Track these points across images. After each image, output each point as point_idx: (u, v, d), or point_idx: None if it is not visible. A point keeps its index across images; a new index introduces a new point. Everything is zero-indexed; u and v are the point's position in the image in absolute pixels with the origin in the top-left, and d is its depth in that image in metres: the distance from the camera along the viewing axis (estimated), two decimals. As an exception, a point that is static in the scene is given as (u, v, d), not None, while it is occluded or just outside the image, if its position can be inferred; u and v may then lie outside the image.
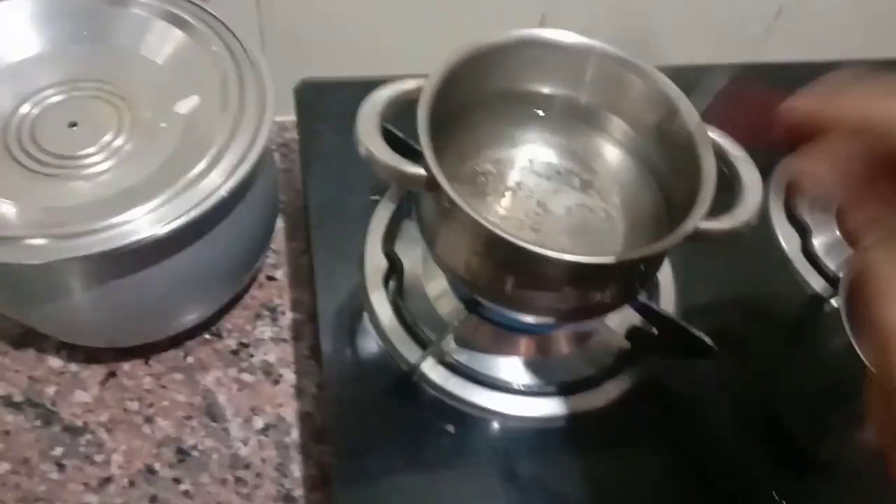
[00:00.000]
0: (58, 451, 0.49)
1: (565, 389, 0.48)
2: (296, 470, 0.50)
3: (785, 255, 0.58)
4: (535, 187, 0.48)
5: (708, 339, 0.46)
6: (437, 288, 0.51)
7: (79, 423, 0.50)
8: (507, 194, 0.47)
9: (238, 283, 0.54)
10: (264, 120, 0.46)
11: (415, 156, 0.40)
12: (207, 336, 0.55)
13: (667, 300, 0.53)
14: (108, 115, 0.46)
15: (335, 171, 0.57)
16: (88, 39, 0.49)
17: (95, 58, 0.48)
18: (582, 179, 0.48)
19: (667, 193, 0.46)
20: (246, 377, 0.53)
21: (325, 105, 0.59)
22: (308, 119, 0.59)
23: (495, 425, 0.47)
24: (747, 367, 0.52)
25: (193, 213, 0.41)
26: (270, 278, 0.58)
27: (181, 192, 0.42)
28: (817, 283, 0.56)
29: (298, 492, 0.49)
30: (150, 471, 0.49)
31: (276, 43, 0.62)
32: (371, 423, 0.46)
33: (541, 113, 0.49)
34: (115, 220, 0.40)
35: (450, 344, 0.48)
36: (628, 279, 0.43)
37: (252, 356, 0.54)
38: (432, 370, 0.48)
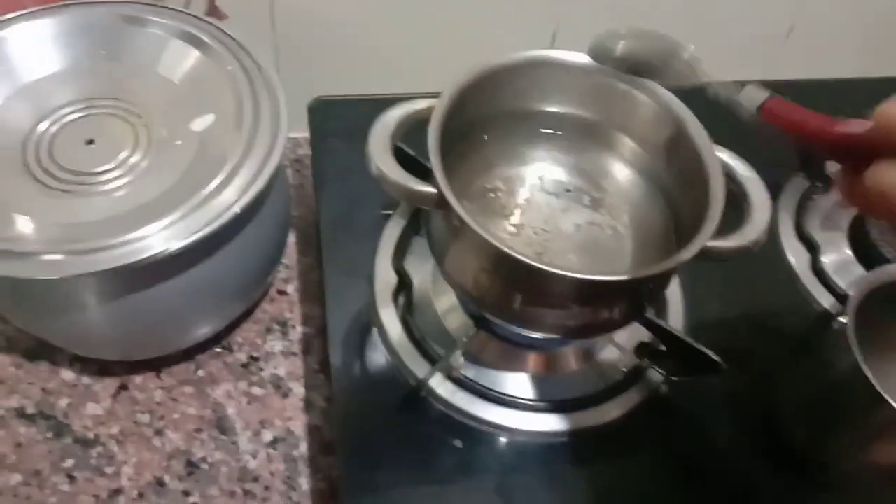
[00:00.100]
0: (69, 462, 0.49)
1: (573, 405, 0.49)
2: (304, 483, 0.50)
3: (794, 271, 0.58)
4: (545, 205, 0.48)
5: (715, 356, 0.47)
6: (446, 304, 0.52)
7: (90, 435, 0.51)
8: (517, 212, 0.48)
9: (250, 297, 0.55)
10: (278, 138, 0.46)
11: (426, 173, 0.40)
12: (218, 349, 0.55)
13: (675, 316, 0.53)
14: (124, 133, 0.47)
15: (347, 188, 0.57)
16: (106, 58, 0.50)
17: (113, 76, 0.49)
18: (591, 197, 0.48)
19: (675, 211, 0.47)
20: (256, 391, 0.54)
21: (338, 122, 0.60)
22: (321, 136, 0.60)
23: (503, 440, 0.48)
24: (755, 383, 0.52)
25: (207, 230, 0.42)
26: (281, 293, 0.59)
27: (196, 209, 0.43)
28: (826, 301, 0.56)
29: (307, 505, 0.49)
30: (160, 483, 0.49)
31: (290, 61, 0.63)
32: (379, 438, 0.47)
33: (550, 132, 0.49)
34: (130, 236, 0.41)
35: (458, 359, 0.49)
36: (636, 297, 0.43)
37: (262, 370, 0.55)
38: (440, 385, 0.48)
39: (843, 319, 0.44)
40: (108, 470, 0.49)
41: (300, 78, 0.62)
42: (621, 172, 0.49)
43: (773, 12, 0.71)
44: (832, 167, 0.62)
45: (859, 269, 0.57)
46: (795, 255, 0.58)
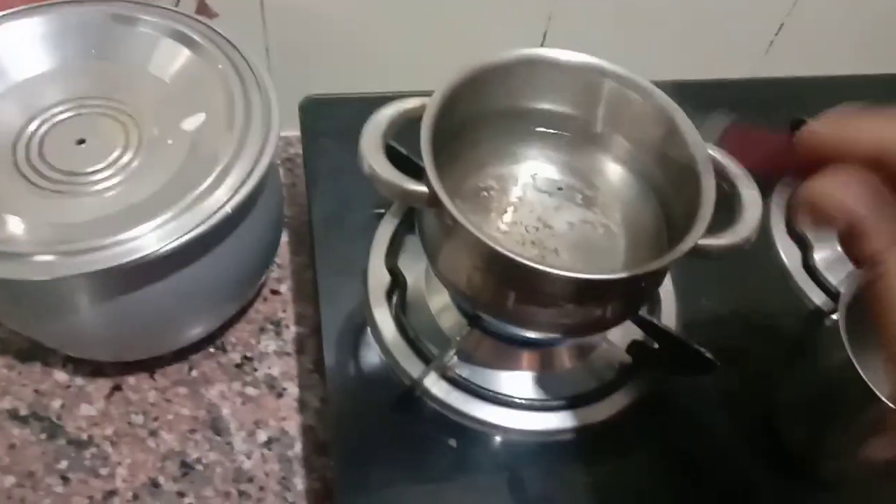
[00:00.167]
0: (63, 464, 0.49)
1: (567, 403, 0.49)
2: (299, 483, 0.50)
3: (786, 269, 0.58)
4: (538, 203, 0.48)
5: (708, 354, 0.47)
6: (439, 302, 0.52)
7: (84, 436, 0.50)
8: (509, 210, 0.48)
9: (243, 297, 0.55)
10: (269, 137, 0.46)
11: (418, 172, 0.40)
12: (212, 350, 0.55)
13: (668, 314, 0.54)
14: (115, 133, 0.47)
15: (339, 186, 0.57)
16: (96, 57, 0.49)
17: (103, 75, 0.49)
18: (584, 195, 0.49)
19: (667, 210, 0.47)
20: (250, 391, 0.54)
21: (330, 121, 0.60)
22: (313, 135, 0.60)
23: (497, 439, 0.48)
24: (748, 380, 0.52)
25: (199, 230, 0.42)
26: (275, 292, 0.59)
27: (187, 209, 0.43)
28: (818, 298, 0.56)
29: (301, 505, 0.49)
30: (155, 484, 0.49)
31: (281, 60, 0.63)
32: (373, 437, 0.47)
33: (543, 130, 0.49)
34: (121, 236, 0.41)
35: (452, 359, 0.49)
36: (629, 295, 0.44)
37: (256, 370, 0.55)
38: (434, 385, 0.48)
39: (835, 317, 0.44)
40: (103, 471, 0.49)
41: (291, 76, 0.62)
42: (613, 171, 0.49)
43: (764, 10, 0.71)
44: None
45: (850, 266, 0.57)
46: (787, 253, 0.59)
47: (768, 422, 0.50)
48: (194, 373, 0.54)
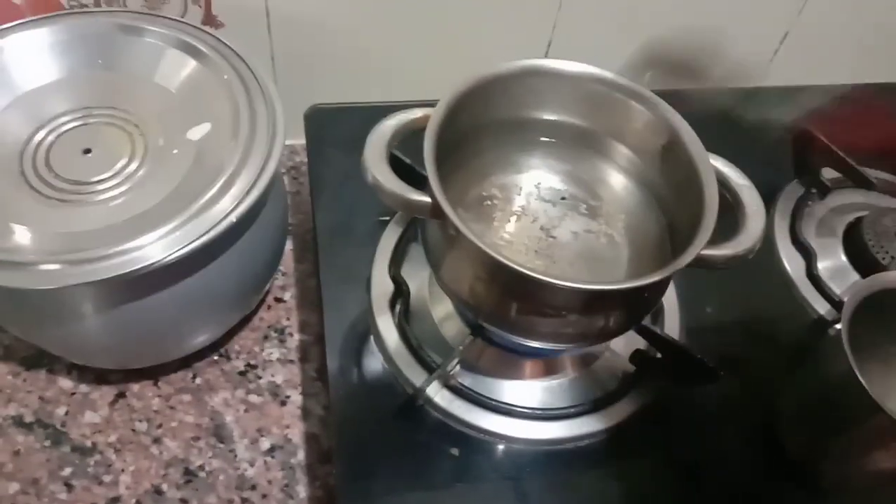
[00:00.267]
0: (67, 471, 0.49)
1: (570, 413, 0.49)
2: (302, 491, 0.50)
3: (789, 278, 0.58)
4: (541, 213, 0.48)
5: (711, 363, 0.47)
6: (442, 311, 0.52)
7: (88, 443, 0.51)
8: (512, 219, 0.48)
9: (247, 305, 0.55)
10: (274, 147, 0.46)
11: (421, 181, 0.40)
12: (216, 357, 0.55)
13: (671, 323, 0.54)
14: (121, 142, 0.47)
15: (343, 195, 0.58)
16: (103, 67, 0.50)
17: (110, 85, 0.49)
18: (588, 205, 0.49)
19: (671, 219, 0.47)
20: (253, 398, 0.54)
21: (335, 130, 0.60)
22: (317, 143, 0.60)
23: (500, 448, 0.48)
24: (751, 389, 0.52)
25: (204, 239, 0.42)
26: (279, 300, 0.59)
27: (192, 218, 0.43)
28: (821, 307, 0.56)
29: (304, 513, 0.50)
30: (158, 491, 0.49)
31: (286, 69, 0.63)
32: (376, 446, 0.47)
33: (546, 140, 0.50)
34: (127, 245, 0.41)
35: (455, 368, 0.49)
36: (632, 305, 0.44)
37: (260, 377, 0.55)
38: (437, 394, 0.48)
39: (838, 326, 0.44)
40: (106, 478, 0.49)
41: (297, 86, 0.62)
42: (617, 180, 0.49)
43: (768, 19, 0.71)
44: (827, 174, 0.62)
45: (854, 276, 0.57)
46: (791, 262, 0.59)
47: (771, 430, 0.50)
48: (198, 380, 0.54)
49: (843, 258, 0.59)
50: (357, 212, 0.57)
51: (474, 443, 0.47)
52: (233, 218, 0.43)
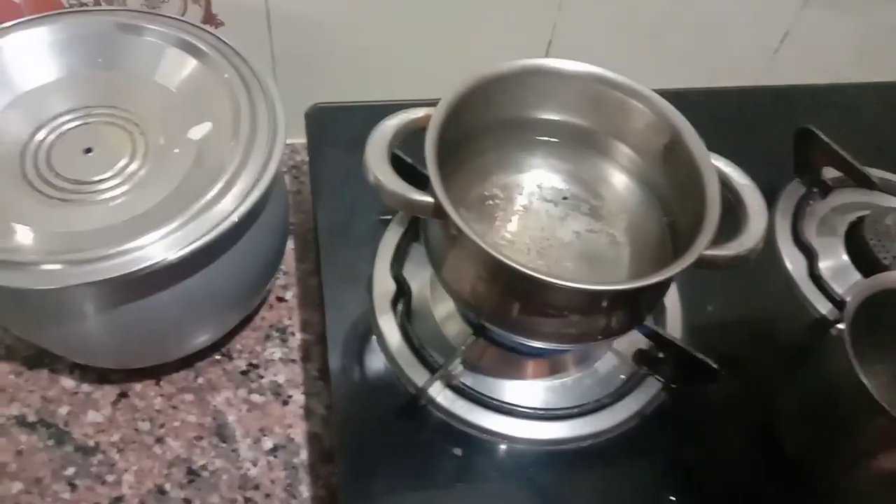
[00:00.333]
0: (70, 470, 0.49)
1: (572, 412, 0.49)
2: (304, 491, 0.50)
3: (791, 278, 0.58)
4: (543, 213, 0.48)
5: (713, 363, 0.47)
6: (444, 311, 0.52)
7: (91, 443, 0.51)
8: (514, 219, 0.48)
9: (249, 305, 0.55)
10: (275, 146, 0.46)
11: (423, 181, 0.40)
12: (218, 357, 0.55)
13: (673, 323, 0.53)
14: (122, 141, 0.47)
15: (345, 194, 0.57)
16: (103, 66, 0.50)
17: (110, 84, 0.49)
18: (590, 205, 0.49)
19: (672, 219, 0.47)
20: (255, 398, 0.54)
21: (336, 129, 0.60)
22: (318, 143, 0.60)
23: (502, 448, 0.48)
24: (753, 389, 0.52)
25: (205, 239, 0.42)
26: (280, 299, 0.59)
27: (193, 218, 0.43)
28: (823, 307, 0.56)
29: (306, 513, 0.50)
30: (161, 491, 0.49)
31: (287, 68, 0.63)
32: (378, 446, 0.47)
33: (547, 139, 0.50)
34: (128, 245, 0.41)
35: (457, 367, 0.49)
36: (634, 305, 0.44)
37: (262, 377, 0.55)
38: (439, 393, 0.48)
39: (840, 326, 0.44)
40: (109, 478, 0.49)
41: (298, 84, 0.62)
42: (618, 180, 0.49)
43: (768, 18, 0.71)
44: (829, 173, 0.62)
45: (856, 275, 0.57)
46: (792, 262, 0.58)
47: (772, 430, 0.50)
48: (200, 380, 0.54)
49: (845, 257, 0.59)
50: (358, 211, 0.57)
51: (476, 443, 0.47)
52: (234, 218, 0.43)
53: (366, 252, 0.55)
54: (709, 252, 0.40)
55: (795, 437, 0.49)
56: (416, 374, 0.49)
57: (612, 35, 0.67)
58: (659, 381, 0.51)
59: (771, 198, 0.62)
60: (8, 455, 0.50)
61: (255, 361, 0.55)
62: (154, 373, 0.54)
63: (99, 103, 0.49)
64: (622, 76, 0.47)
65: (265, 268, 0.53)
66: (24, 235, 0.42)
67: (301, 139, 0.62)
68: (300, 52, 0.63)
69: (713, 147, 0.45)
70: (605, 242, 0.47)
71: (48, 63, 0.49)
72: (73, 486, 0.49)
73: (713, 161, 0.44)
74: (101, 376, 0.53)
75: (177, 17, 0.52)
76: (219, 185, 0.44)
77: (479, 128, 0.47)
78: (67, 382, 0.53)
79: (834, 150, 0.60)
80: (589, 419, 0.48)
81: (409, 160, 0.49)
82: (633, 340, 0.51)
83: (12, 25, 0.49)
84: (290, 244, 0.62)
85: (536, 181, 0.49)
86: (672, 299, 0.54)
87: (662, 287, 0.45)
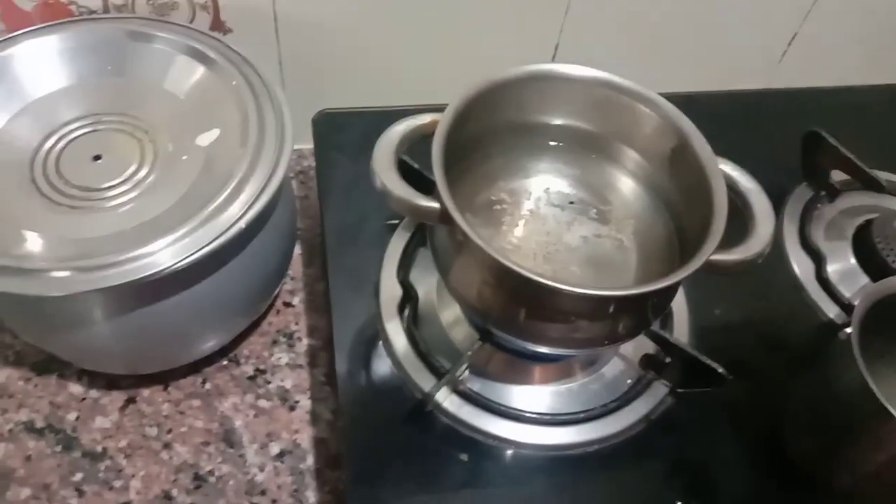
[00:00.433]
0: (78, 476, 0.50)
1: (579, 418, 0.49)
2: (311, 496, 0.50)
3: (799, 281, 0.58)
4: (550, 217, 0.48)
5: (720, 368, 0.47)
6: (451, 316, 0.52)
7: (98, 448, 0.51)
8: (521, 224, 0.48)
9: (256, 310, 0.55)
10: (283, 152, 0.47)
11: (430, 186, 0.40)
12: (225, 362, 0.55)
13: (680, 327, 0.53)
14: (131, 148, 0.47)
15: (352, 199, 0.58)
16: (112, 74, 0.50)
17: (119, 92, 0.50)
18: (598, 210, 0.49)
19: (679, 224, 0.47)
20: (262, 403, 0.54)
21: (343, 135, 0.60)
22: (325, 148, 0.60)
23: (509, 454, 0.48)
24: (761, 394, 0.51)
25: (213, 245, 0.42)
26: (287, 304, 0.59)
27: (202, 224, 0.43)
28: (831, 310, 0.56)
29: (314, 518, 0.50)
30: (168, 497, 0.49)
31: (295, 74, 0.63)
32: (385, 451, 0.47)
33: (554, 144, 0.50)
34: (136, 252, 0.41)
35: (463, 373, 0.49)
36: (641, 310, 0.44)
37: (269, 382, 0.55)
38: (446, 399, 0.48)
39: (848, 330, 0.44)
40: (117, 483, 0.50)
41: (305, 90, 0.62)
42: (625, 185, 0.49)
43: (776, 21, 0.71)
44: (836, 176, 0.62)
45: (864, 279, 0.57)
46: (800, 265, 0.58)
47: (781, 435, 0.50)
48: (208, 385, 0.54)
49: (853, 261, 0.58)
50: (365, 216, 0.57)
51: (483, 448, 0.47)
52: (242, 224, 0.44)
53: (373, 257, 0.55)
54: (716, 257, 0.40)
55: (802, 441, 0.49)
56: (423, 379, 0.49)
57: (619, 39, 0.67)
58: (666, 385, 0.50)
59: (779, 201, 0.62)
60: (16, 461, 0.50)
61: (262, 367, 0.56)
62: (162, 378, 0.54)
63: (108, 110, 0.49)
64: (629, 80, 0.47)
65: (273, 273, 0.53)
66: (33, 242, 0.42)
67: (308, 144, 0.62)
68: (308, 58, 0.63)
69: (721, 150, 0.45)
70: (612, 247, 0.47)
71: (58, 71, 0.50)
72: (80, 492, 0.49)
73: (720, 165, 0.44)
74: (110, 382, 0.53)
75: (185, 24, 0.52)
76: (227, 192, 0.44)
77: (486, 133, 0.47)
78: (76, 388, 0.53)
79: (841, 153, 0.60)
80: (595, 424, 0.48)
81: (416, 166, 0.49)
82: (640, 345, 0.51)
83: (23, 34, 0.49)
84: (298, 249, 0.62)
85: (543, 186, 0.49)
86: (679, 303, 0.54)
87: (669, 292, 0.45)
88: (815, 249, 0.59)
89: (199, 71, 0.50)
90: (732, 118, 0.66)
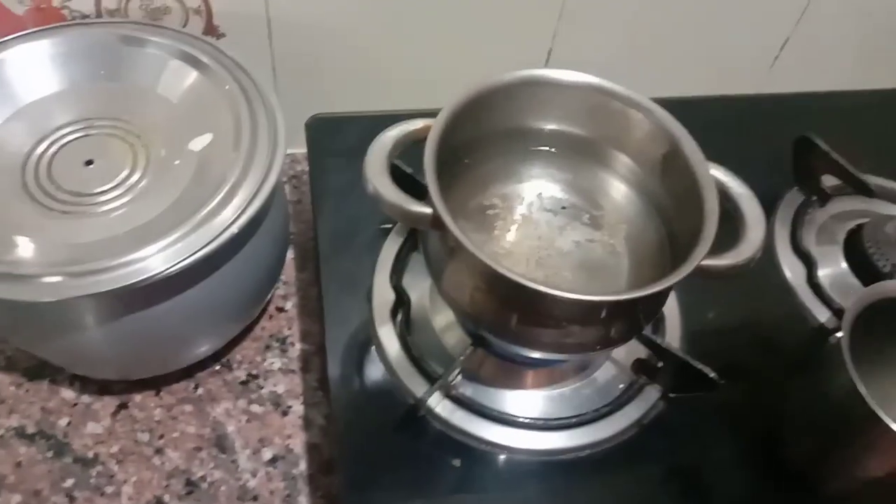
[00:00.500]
0: (69, 482, 0.49)
1: (571, 422, 0.49)
2: (304, 501, 0.50)
3: (790, 286, 0.58)
4: (543, 222, 0.48)
5: (711, 373, 0.47)
6: (443, 321, 0.52)
7: (90, 454, 0.51)
8: (514, 229, 0.48)
9: (249, 315, 0.55)
10: (276, 157, 0.47)
11: (424, 190, 0.40)
12: (217, 367, 0.55)
13: (672, 331, 0.53)
14: (123, 153, 0.47)
15: (345, 204, 0.58)
16: (105, 78, 0.50)
17: (112, 96, 0.50)
18: (591, 215, 0.49)
19: (671, 229, 0.47)
20: (255, 408, 0.54)
21: (336, 139, 0.60)
22: (319, 153, 0.60)
23: (501, 459, 0.48)
24: (752, 398, 0.52)
25: (206, 250, 0.42)
26: (280, 309, 0.59)
27: (194, 229, 0.43)
28: (822, 315, 0.56)
29: (306, 524, 0.50)
30: (160, 502, 0.49)
31: (288, 78, 0.63)
32: (378, 456, 0.47)
33: (547, 149, 0.50)
34: (129, 257, 0.41)
35: (456, 378, 0.49)
36: (632, 315, 0.44)
37: (261, 387, 0.55)
38: (439, 404, 0.48)
39: (839, 334, 0.44)
40: (108, 489, 0.49)
41: (299, 94, 0.62)
42: (618, 189, 0.49)
43: (768, 26, 0.71)
44: (828, 181, 0.62)
45: (855, 283, 0.57)
46: (792, 270, 0.58)
47: (772, 439, 0.50)
48: (200, 390, 0.54)
49: (844, 265, 0.59)
50: (358, 221, 0.57)
51: (476, 453, 0.47)
52: (234, 229, 0.44)
53: (366, 262, 0.55)
54: (706, 262, 0.40)
55: (795, 445, 0.49)
56: (415, 384, 0.49)
57: (612, 43, 0.68)
58: (658, 390, 0.50)
59: (770, 206, 0.62)
60: (7, 467, 0.50)
61: (254, 372, 0.56)
62: (154, 383, 0.54)
63: (100, 115, 0.49)
64: (620, 86, 0.47)
65: (266, 278, 0.53)
66: (25, 248, 0.42)
67: (302, 149, 0.62)
68: (301, 63, 0.63)
69: (713, 155, 0.45)
70: (604, 252, 0.47)
71: (50, 75, 0.49)
72: (72, 498, 0.49)
73: (711, 170, 0.44)
74: (102, 387, 0.53)
75: (178, 29, 0.52)
76: (219, 196, 0.44)
77: (479, 138, 0.47)
78: (67, 394, 0.53)
79: (832, 158, 0.60)
80: (588, 429, 0.48)
81: (408, 170, 0.49)
82: (632, 349, 0.51)
83: (15, 38, 0.49)
84: (291, 254, 0.62)
85: (536, 191, 0.50)
86: (671, 308, 0.54)
87: (660, 297, 0.45)
88: (807, 254, 0.59)
89: (192, 75, 0.50)
90: (725, 123, 0.66)
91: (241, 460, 0.51)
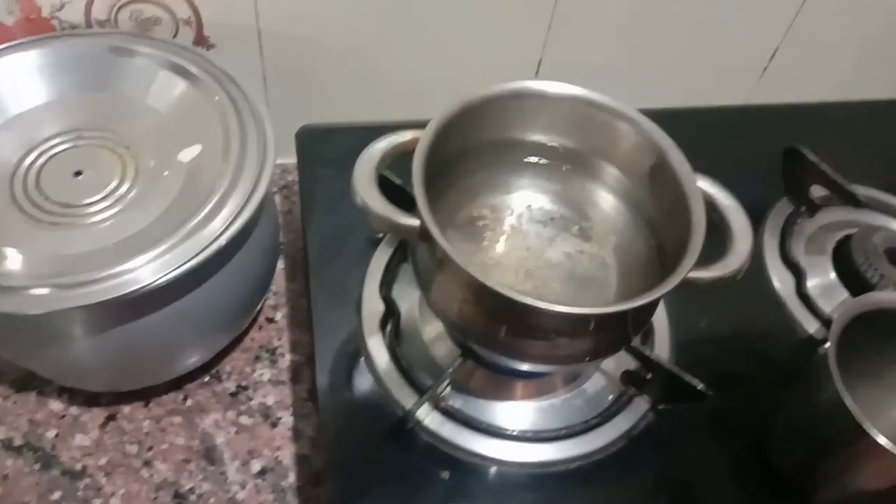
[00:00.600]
0: (56, 495, 0.49)
1: (560, 434, 0.49)
2: (292, 513, 0.50)
3: (779, 296, 0.58)
4: (532, 234, 0.48)
5: (700, 385, 0.47)
6: (433, 332, 0.52)
7: (78, 466, 0.50)
8: (503, 240, 0.48)
9: (238, 326, 0.55)
10: (265, 168, 0.47)
11: (412, 201, 0.40)
12: (207, 378, 0.55)
13: (661, 343, 0.54)
14: (112, 164, 0.47)
15: (334, 215, 0.58)
16: (94, 89, 0.50)
17: (100, 107, 0.50)
18: (579, 226, 0.49)
19: (659, 240, 0.47)
20: (244, 420, 0.54)
21: (326, 150, 0.60)
22: (308, 163, 0.60)
23: (491, 471, 0.48)
24: (742, 409, 0.52)
25: (195, 261, 0.42)
26: (270, 320, 0.59)
27: (183, 240, 0.43)
28: (811, 326, 0.56)
29: (295, 536, 0.49)
30: (148, 515, 0.49)
31: (278, 89, 0.64)
32: (367, 468, 0.47)
33: (535, 160, 0.50)
34: (118, 268, 0.41)
35: (445, 389, 0.49)
36: (621, 326, 0.44)
37: (251, 399, 0.55)
38: (428, 416, 0.48)
39: (827, 345, 0.44)
40: (96, 502, 0.49)
41: (289, 105, 0.62)
42: (606, 201, 0.50)
43: (758, 36, 0.72)
44: (816, 192, 0.63)
45: (844, 294, 0.57)
46: (781, 280, 0.59)
47: (762, 450, 0.50)
48: (189, 402, 0.54)
49: (833, 276, 0.59)
50: (348, 231, 0.57)
51: (465, 466, 0.47)
52: (224, 240, 0.44)
53: (355, 272, 0.55)
54: (693, 274, 0.40)
55: (784, 456, 0.49)
56: (405, 396, 0.48)
57: (601, 54, 0.68)
58: (647, 401, 0.50)
59: (759, 216, 0.62)
60: (-6, 479, 0.49)
61: (244, 383, 0.55)
62: (143, 395, 0.53)
63: (89, 126, 0.49)
64: (607, 98, 0.47)
65: (255, 288, 0.53)
66: (13, 259, 0.42)
67: (292, 159, 0.62)
68: (291, 73, 0.63)
69: (702, 166, 0.45)
70: (593, 264, 0.47)
71: (39, 86, 0.49)
72: (59, 510, 0.49)
73: (699, 182, 0.44)
74: (90, 399, 0.53)
75: (168, 39, 0.52)
76: (209, 207, 0.44)
77: (468, 149, 0.47)
78: (55, 405, 0.53)
79: (821, 169, 0.61)
80: (577, 441, 0.48)
81: (397, 181, 0.50)
82: (621, 360, 0.51)
83: (3, 48, 0.49)
84: (281, 264, 0.62)
85: (525, 202, 0.50)
86: (660, 318, 0.54)
87: (649, 309, 0.45)
88: (796, 264, 0.59)
89: (182, 86, 0.50)
90: (713, 134, 0.66)
91: (229, 472, 0.51)
